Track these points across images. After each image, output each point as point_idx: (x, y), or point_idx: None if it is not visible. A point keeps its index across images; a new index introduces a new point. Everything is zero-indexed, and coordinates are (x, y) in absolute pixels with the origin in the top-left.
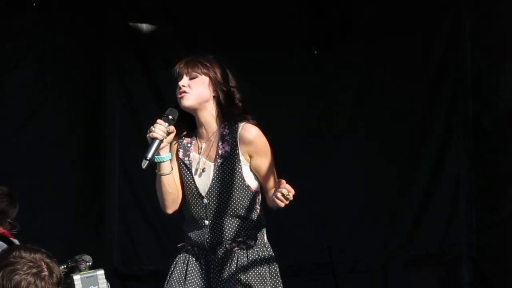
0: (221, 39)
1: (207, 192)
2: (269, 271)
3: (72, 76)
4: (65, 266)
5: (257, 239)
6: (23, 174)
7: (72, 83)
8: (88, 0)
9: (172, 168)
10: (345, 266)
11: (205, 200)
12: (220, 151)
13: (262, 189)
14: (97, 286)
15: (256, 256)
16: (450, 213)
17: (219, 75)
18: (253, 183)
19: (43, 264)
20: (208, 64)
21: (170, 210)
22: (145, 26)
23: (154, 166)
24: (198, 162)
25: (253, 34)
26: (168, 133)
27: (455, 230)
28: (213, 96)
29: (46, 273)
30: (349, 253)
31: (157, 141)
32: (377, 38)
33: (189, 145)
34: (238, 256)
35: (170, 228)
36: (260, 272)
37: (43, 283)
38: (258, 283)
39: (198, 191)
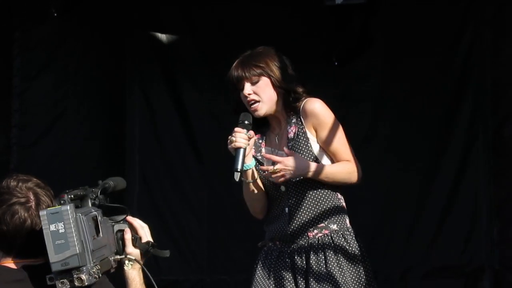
0: (241, 51)
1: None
2: (360, 253)
3: (92, 86)
4: (81, 192)
5: (339, 222)
6: None
7: (92, 94)
8: (108, 11)
9: (257, 174)
10: None
11: (282, 188)
12: (289, 135)
13: None
14: (62, 223)
15: (342, 240)
16: (470, 225)
17: (276, 71)
18: (327, 162)
19: (31, 194)
20: (262, 64)
21: (261, 215)
22: (166, 37)
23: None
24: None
25: (273, 46)
26: (249, 139)
27: (476, 242)
28: (277, 93)
29: (33, 203)
30: None
31: (242, 150)
32: (397, 52)
33: (260, 141)
34: (324, 243)
35: (190, 238)
36: (350, 256)
37: (27, 214)
38: (350, 267)
39: (274, 182)
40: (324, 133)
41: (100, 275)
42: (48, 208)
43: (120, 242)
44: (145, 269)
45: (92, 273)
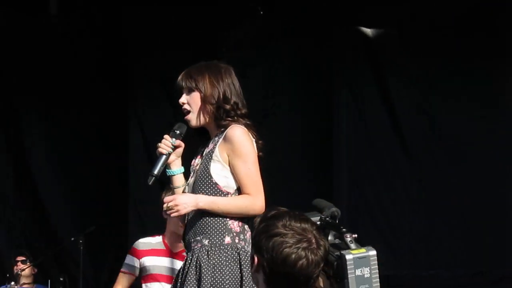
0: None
1: (190, 191)
2: (212, 275)
3: (300, 84)
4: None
5: (213, 240)
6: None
7: (300, 90)
8: (312, 6)
9: (186, 182)
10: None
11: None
12: (206, 151)
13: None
14: (368, 268)
15: (205, 255)
16: None
17: (208, 88)
18: (222, 181)
19: (312, 236)
20: (197, 77)
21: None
22: (371, 32)
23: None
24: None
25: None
26: (175, 148)
27: None
28: (207, 108)
29: (315, 246)
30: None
31: (163, 157)
32: None
33: (200, 151)
34: (196, 256)
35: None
36: (207, 271)
37: (312, 256)
38: (206, 280)
39: (187, 191)
40: (234, 161)
41: None
42: (353, 252)
43: None
44: None
45: None
